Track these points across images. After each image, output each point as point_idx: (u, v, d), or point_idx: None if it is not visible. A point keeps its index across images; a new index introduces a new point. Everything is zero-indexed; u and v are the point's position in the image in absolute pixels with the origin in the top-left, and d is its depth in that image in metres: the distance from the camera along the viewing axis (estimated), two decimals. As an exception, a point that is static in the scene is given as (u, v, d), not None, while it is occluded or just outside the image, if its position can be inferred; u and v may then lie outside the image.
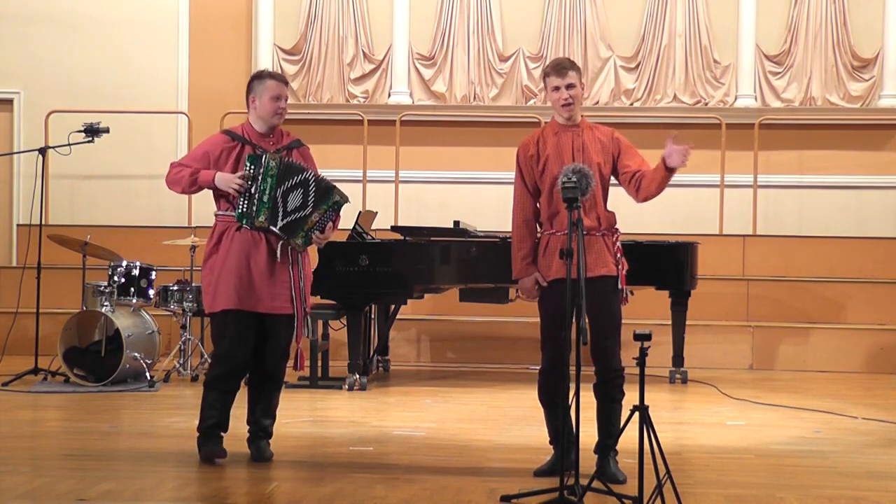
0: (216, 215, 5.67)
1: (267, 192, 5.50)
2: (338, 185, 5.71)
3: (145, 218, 11.61)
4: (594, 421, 5.35)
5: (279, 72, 5.79)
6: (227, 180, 5.50)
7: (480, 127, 11.88)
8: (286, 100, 5.72)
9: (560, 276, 5.18)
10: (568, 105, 5.32)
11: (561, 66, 5.33)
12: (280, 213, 5.54)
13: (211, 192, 5.65)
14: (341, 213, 5.72)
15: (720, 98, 11.76)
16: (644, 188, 5.26)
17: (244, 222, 5.52)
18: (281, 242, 5.57)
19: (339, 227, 5.82)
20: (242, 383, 5.71)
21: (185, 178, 5.57)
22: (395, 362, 9.82)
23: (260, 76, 5.72)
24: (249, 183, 5.49)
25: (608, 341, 5.19)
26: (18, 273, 9.59)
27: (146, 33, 11.98)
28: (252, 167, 5.52)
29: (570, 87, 5.30)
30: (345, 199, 5.71)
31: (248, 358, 5.62)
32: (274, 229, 5.53)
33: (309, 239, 5.63)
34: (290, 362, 5.79)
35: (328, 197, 5.64)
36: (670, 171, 5.14)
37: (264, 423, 5.72)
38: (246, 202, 5.51)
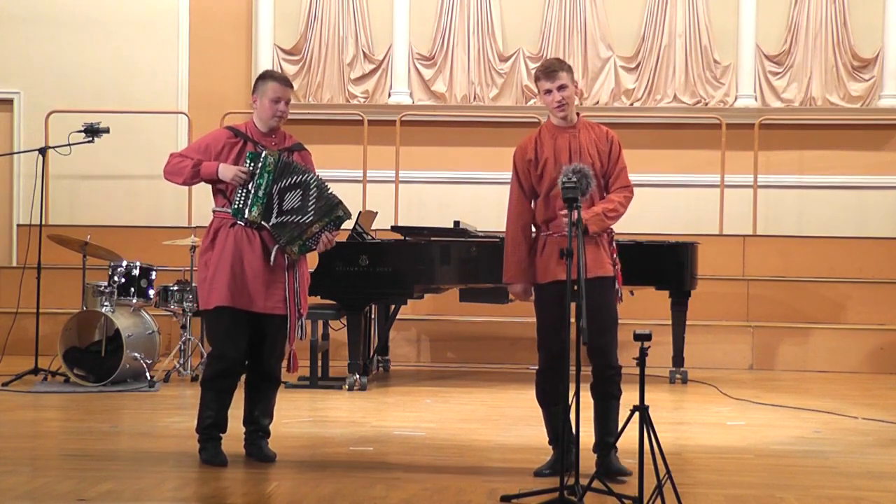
0: (214, 211, 5.65)
1: (263, 187, 5.48)
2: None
3: (145, 218, 11.61)
4: (592, 421, 5.35)
5: (283, 74, 5.70)
6: (232, 171, 5.47)
7: (480, 127, 11.87)
8: (287, 102, 5.65)
9: (557, 279, 5.16)
10: (561, 107, 5.29)
11: (550, 69, 5.27)
12: (275, 211, 5.51)
13: (210, 188, 5.65)
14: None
15: (720, 98, 11.76)
16: None
17: (238, 217, 5.51)
18: (276, 248, 5.54)
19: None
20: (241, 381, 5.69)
21: (188, 169, 5.53)
22: (395, 362, 9.82)
23: (263, 77, 5.70)
24: (248, 179, 5.48)
25: (606, 338, 5.19)
26: (18, 273, 9.58)
27: (146, 33, 11.98)
28: (252, 163, 5.52)
29: (561, 88, 5.25)
30: (348, 215, 5.64)
31: (243, 357, 5.58)
32: (266, 225, 5.51)
33: (306, 248, 5.58)
34: (283, 363, 5.73)
35: (332, 211, 5.58)
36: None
37: (263, 423, 5.71)
38: (242, 197, 5.49)
